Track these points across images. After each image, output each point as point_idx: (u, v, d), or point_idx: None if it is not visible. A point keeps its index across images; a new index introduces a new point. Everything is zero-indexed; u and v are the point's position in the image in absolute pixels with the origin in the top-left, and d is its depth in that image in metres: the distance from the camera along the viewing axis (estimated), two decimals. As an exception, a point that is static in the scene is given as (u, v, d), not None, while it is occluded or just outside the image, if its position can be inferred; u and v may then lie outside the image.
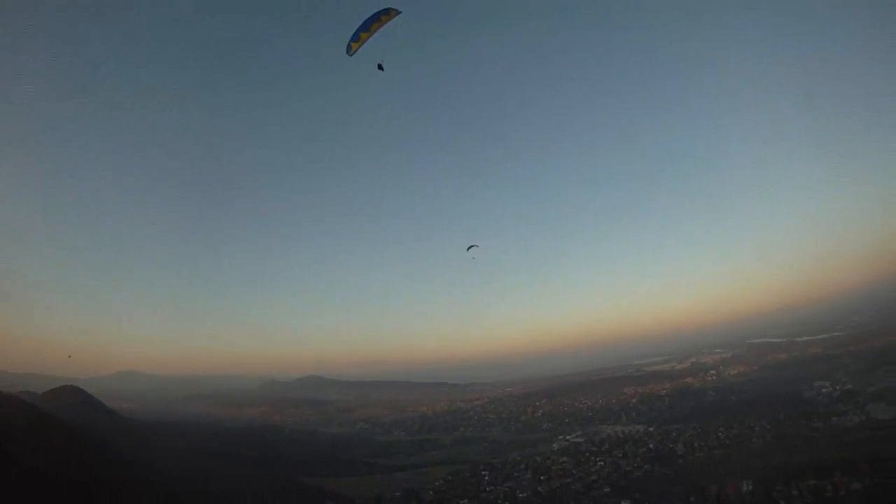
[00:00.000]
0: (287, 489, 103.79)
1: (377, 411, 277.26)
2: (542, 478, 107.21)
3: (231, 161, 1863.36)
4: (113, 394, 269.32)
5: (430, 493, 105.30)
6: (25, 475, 54.78)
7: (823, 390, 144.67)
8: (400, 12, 39.17)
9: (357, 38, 40.02)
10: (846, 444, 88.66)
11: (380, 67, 42.78)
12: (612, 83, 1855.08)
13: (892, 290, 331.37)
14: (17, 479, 52.89)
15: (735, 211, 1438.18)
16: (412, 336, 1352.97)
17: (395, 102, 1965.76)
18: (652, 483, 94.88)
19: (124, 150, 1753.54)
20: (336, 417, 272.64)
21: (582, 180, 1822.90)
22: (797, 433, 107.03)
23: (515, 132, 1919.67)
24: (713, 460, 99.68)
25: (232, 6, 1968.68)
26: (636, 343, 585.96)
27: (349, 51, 40.56)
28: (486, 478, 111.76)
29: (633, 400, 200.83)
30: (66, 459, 67.71)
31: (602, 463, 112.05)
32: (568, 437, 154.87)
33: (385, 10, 39.04)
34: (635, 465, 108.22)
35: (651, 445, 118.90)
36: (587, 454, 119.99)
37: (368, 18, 39.37)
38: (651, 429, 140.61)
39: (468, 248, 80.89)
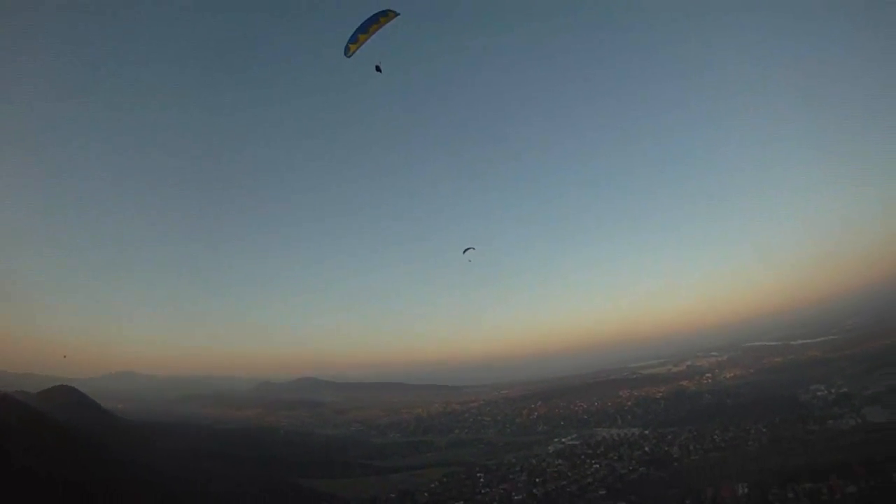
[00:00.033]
0: (282, 490, 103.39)
1: (372, 413, 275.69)
2: (537, 480, 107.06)
3: (231, 161, 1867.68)
4: (109, 394, 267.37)
5: (425, 494, 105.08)
6: (18, 474, 54.63)
7: (819, 394, 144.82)
8: (398, 14, 38.02)
9: (355, 39, 38.93)
10: (842, 447, 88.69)
11: (377, 69, 41.78)
12: (611, 84, 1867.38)
13: (890, 293, 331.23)
14: (9, 478, 52.72)
15: (734, 212, 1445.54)
16: (412, 337, 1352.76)
17: (396, 103, 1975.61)
18: (647, 486, 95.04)
19: (124, 149, 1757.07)
20: (331, 419, 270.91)
21: (581, 181, 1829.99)
22: (793, 436, 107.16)
23: (515, 133, 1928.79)
24: (709, 463, 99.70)
25: (231, 6, 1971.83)
26: (632, 346, 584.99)
27: (347, 52, 39.42)
28: (482, 480, 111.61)
29: (629, 403, 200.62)
30: (58, 458, 67.31)
31: (597, 465, 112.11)
32: (563, 440, 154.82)
33: (383, 11, 37.97)
34: (631, 467, 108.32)
35: (646, 448, 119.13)
36: (582, 457, 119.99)
37: (367, 20, 38.19)
38: (647, 432, 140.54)
39: (464, 251, 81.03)
